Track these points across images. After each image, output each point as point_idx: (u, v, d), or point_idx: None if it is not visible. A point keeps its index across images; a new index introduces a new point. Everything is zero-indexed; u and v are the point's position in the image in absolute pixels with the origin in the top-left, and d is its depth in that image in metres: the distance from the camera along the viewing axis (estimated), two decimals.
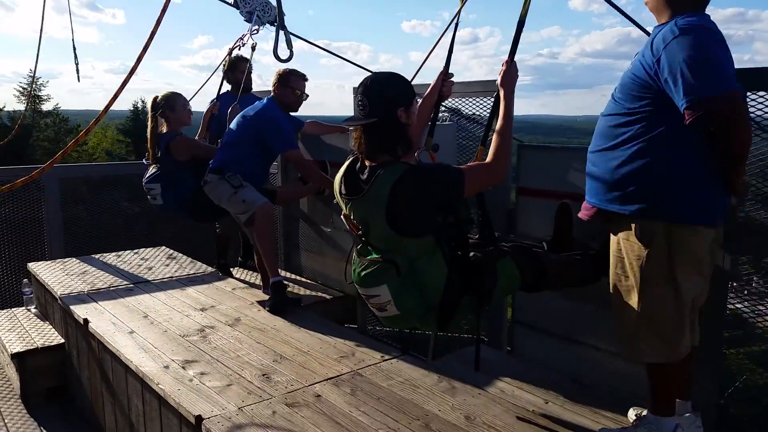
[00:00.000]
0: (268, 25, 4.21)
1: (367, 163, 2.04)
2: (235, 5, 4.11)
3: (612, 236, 2.09)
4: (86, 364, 3.50)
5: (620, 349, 2.18)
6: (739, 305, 2.50)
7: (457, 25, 2.67)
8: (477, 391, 2.51)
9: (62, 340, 3.84)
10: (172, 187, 3.98)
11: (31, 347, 3.74)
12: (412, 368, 2.75)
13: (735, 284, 2.51)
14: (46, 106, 23.68)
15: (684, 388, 2.17)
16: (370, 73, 2.22)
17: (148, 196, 4.09)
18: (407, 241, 1.97)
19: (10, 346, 3.74)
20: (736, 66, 1.83)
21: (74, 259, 4.67)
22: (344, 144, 3.92)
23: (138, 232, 5.66)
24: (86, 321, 3.35)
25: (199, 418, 2.31)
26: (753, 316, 2.50)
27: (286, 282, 3.79)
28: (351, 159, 2.14)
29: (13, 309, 4.46)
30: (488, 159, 2.11)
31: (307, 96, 3.82)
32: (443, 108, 3.30)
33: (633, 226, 1.96)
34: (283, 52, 4.17)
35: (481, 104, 3.51)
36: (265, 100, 3.79)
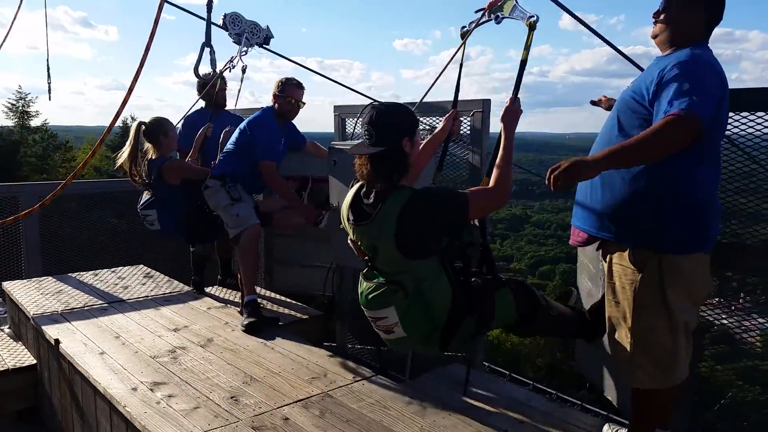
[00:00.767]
0: (257, 47, 4.23)
1: (372, 188, 2.09)
2: (224, 27, 4.14)
3: (603, 259, 2.10)
4: (57, 386, 3.44)
5: (621, 374, 2.18)
6: (725, 321, 2.51)
7: (461, 65, 2.85)
8: (446, 413, 2.49)
9: (34, 361, 3.77)
10: (167, 211, 3.96)
11: (2, 368, 3.68)
12: (383, 389, 2.73)
13: (722, 300, 2.52)
14: (35, 122, 23.48)
15: (667, 418, 2.15)
16: (373, 102, 2.28)
17: (145, 222, 4.06)
18: (414, 264, 2.02)
19: None
20: None
21: (50, 278, 4.60)
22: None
23: (119, 249, 5.60)
24: (57, 341, 3.30)
25: None
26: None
27: (263, 300, 3.75)
28: (357, 186, 2.18)
29: None
30: (490, 184, 2.17)
31: (304, 104, 3.81)
32: (426, 126, 3.35)
33: (627, 250, 1.98)
34: (204, 70, 4.31)
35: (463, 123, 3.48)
36: (263, 109, 3.82)
